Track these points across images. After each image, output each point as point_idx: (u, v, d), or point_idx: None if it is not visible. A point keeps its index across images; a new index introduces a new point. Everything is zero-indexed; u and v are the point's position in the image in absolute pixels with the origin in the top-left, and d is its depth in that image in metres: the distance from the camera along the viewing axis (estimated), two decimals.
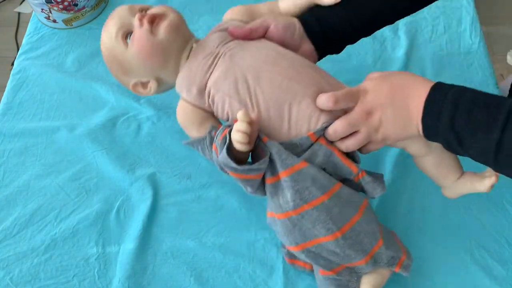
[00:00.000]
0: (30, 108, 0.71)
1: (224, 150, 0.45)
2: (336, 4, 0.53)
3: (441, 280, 0.55)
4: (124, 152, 0.66)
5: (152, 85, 0.56)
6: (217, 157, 0.47)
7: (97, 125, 0.68)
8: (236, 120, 0.45)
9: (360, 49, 0.76)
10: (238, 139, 0.44)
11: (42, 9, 0.77)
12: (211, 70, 0.51)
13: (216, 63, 0.51)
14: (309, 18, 0.54)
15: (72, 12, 0.78)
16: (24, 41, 0.80)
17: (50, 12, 0.77)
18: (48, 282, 0.56)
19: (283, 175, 0.47)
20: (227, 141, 0.46)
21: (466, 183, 0.53)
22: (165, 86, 0.57)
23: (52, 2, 0.75)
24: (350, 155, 0.50)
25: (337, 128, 0.47)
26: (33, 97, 0.72)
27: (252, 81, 0.49)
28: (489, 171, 0.52)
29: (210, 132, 0.51)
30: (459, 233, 0.58)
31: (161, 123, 0.69)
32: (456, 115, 0.41)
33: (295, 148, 0.48)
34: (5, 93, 0.73)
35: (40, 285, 0.56)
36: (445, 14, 0.80)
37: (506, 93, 0.70)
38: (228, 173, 0.49)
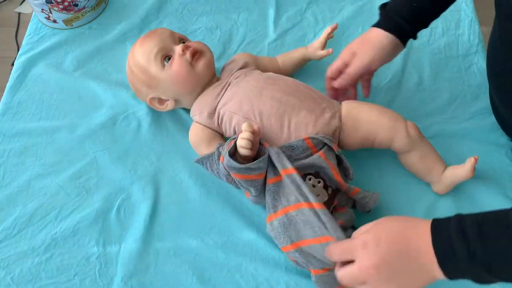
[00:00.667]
0: (30, 107, 0.71)
1: (227, 153, 0.52)
2: None
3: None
4: (125, 150, 0.65)
5: (170, 104, 0.64)
6: (223, 162, 0.53)
7: (97, 124, 0.68)
8: (240, 133, 0.52)
9: None
10: (243, 144, 0.51)
11: (43, 9, 0.77)
12: (220, 95, 0.61)
13: (225, 90, 0.61)
14: (401, 23, 0.58)
15: (72, 12, 0.77)
16: (24, 41, 0.80)
17: (50, 12, 0.77)
18: (49, 281, 0.56)
19: (284, 172, 0.52)
20: (232, 146, 0.52)
21: (451, 173, 0.57)
22: (178, 106, 0.66)
23: (53, 2, 0.75)
24: (343, 171, 0.57)
25: (342, 278, 0.43)
26: (32, 96, 0.72)
27: (255, 98, 0.58)
28: (468, 159, 0.56)
29: (218, 148, 0.56)
30: None
31: (161, 119, 0.68)
32: (470, 246, 0.36)
33: (293, 150, 0.55)
34: (4, 93, 0.73)
35: (41, 284, 0.56)
36: (443, 17, 0.80)
37: None
38: (233, 183, 0.56)
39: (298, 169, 0.53)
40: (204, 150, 0.61)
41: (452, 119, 0.67)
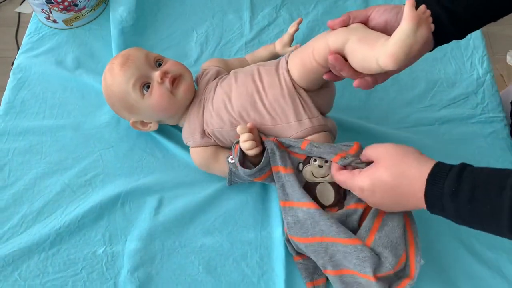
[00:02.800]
0: (33, 106, 0.70)
1: (239, 166, 0.54)
2: None
3: (430, 266, 0.55)
4: (130, 147, 0.65)
5: (153, 126, 0.63)
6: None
7: (102, 122, 0.67)
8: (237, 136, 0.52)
9: None
10: (247, 146, 0.52)
11: (43, 9, 0.75)
12: (202, 115, 0.59)
13: (204, 108, 0.60)
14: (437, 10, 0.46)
15: (72, 12, 0.76)
16: (24, 41, 0.78)
17: (50, 12, 0.75)
18: (56, 275, 0.56)
19: (275, 170, 0.54)
20: (239, 155, 0.53)
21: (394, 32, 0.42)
22: (162, 124, 0.64)
23: (53, 2, 0.74)
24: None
25: (338, 179, 0.51)
26: (35, 95, 0.71)
27: (228, 104, 0.57)
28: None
29: (227, 160, 0.57)
30: (448, 222, 0.58)
31: None
32: (460, 208, 0.40)
33: (291, 147, 0.55)
34: (6, 92, 0.71)
35: (48, 279, 0.55)
36: None
37: (508, 101, 0.70)
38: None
39: (295, 163, 0.53)
40: (215, 167, 0.60)
41: (431, 107, 0.68)
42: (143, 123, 0.62)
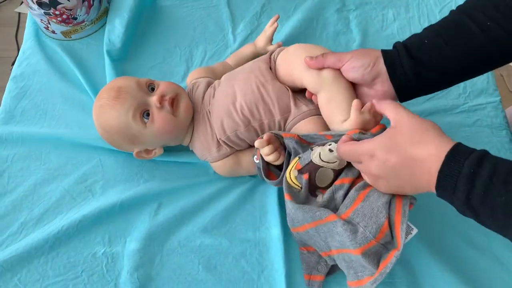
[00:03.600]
0: (33, 117, 0.69)
1: (267, 180, 0.55)
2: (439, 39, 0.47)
3: (423, 253, 0.55)
4: (130, 153, 0.64)
5: (158, 151, 0.61)
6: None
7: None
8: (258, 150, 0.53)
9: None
10: (272, 159, 0.53)
11: (41, 20, 0.75)
12: (212, 128, 0.59)
13: (210, 121, 0.59)
14: (401, 59, 0.48)
15: (71, 25, 0.76)
16: (24, 45, 0.77)
17: (49, 23, 0.75)
18: (57, 279, 0.55)
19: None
20: (264, 168, 0.54)
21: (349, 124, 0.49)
22: (166, 146, 0.62)
23: (51, 14, 0.73)
24: None
25: (342, 149, 0.47)
26: (35, 106, 0.70)
27: (237, 104, 0.56)
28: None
29: (253, 160, 0.57)
30: (440, 209, 0.55)
31: None
32: (473, 193, 0.36)
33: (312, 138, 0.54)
34: (7, 100, 0.71)
35: (48, 282, 0.55)
36: (392, 3, 0.81)
37: None
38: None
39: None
40: (240, 171, 0.60)
41: (414, 100, 0.65)
42: (147, 151, 0.60)
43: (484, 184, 0.36)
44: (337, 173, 0.51)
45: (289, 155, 0.55)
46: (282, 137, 0.54)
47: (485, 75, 0.72)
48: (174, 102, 0.57)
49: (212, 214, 0.60)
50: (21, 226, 0.59)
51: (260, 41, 0.67)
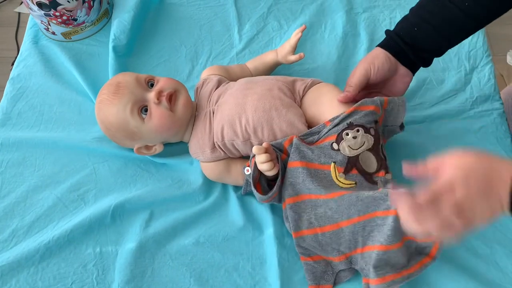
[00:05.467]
0: (29, 119, 0.67)
1: (256, 193, 0.52)
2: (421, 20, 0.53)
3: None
4: (125, 162, 0.62)
5: (158, 148, 0.59)
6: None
7: (96, 137, 0.63)
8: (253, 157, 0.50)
9: (324, 49, 0.73)
10: (266, 168, 0.50)
11: (42, 21, 0.73)
12: (211, 129, 0.56)
13: (212, 122, 0.56)
14: (402, 46, 0.54)
15: (71, 26, 0.73)
16: (23, 47, 0.75)
17: (49, 24, 0.73)
18: None
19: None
20: (255, 175, 0.51)
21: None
22: (166, 143, 0.60)
23: (51, 16, 0.71)
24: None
25: (430, 230, 0.37)
26: (32, 108, 0.68)
27: (243, 115, 0.54)
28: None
29: (244, 171, 0.54)
30: None
31: None
32: None
33: (313, 134, 0.54)
34: (4, 102, 0.68)
35: None
36: (400, 6, 0.78)
37: (508, 100, 0.69)
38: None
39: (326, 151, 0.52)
40: (228, 179, 0.58)
41: (421, 105, 0.67)
42: (147, 147, 0.59)
43: None
44: (376, 151, 0.52)
45: (284, 168, 0.53)
46: (281, 152, 0.52)
47: (491, 81, 0.69)
48: (172, 98, 0.55)
49: (205, 226, 0.57)
50: (12, 234, 0.56)
51: (283, 49, 0.64)
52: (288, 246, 0.54)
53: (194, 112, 0.59)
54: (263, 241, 0.55)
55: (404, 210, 0.36)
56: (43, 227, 0.56)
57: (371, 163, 0.51)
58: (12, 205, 0.58)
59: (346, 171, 0.50)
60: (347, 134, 0.51)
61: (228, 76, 0.63)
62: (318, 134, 0.53)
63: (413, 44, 0.54)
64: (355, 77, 0.55)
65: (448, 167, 0.38)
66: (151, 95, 0.54)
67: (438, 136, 0.63)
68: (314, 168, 0.51)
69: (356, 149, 0.51)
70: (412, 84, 0.67)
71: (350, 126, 0.51)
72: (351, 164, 0.51)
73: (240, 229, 0.56)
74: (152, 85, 0.57)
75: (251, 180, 0.52)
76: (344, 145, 0.51)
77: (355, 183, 0.50)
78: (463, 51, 0.72)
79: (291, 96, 0.56)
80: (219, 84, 0.60)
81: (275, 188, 0.51)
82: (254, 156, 0.50)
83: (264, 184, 0.54)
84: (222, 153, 0.56)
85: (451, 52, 0.72)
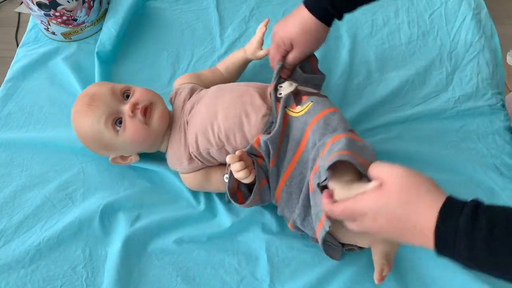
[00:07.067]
0: (18, 120, 0.65)
1: (231, 200, 0.50)
2: None
3: (434, 258, 0.50)
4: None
5: (133, 158, 0.57)
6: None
7: None
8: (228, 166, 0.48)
9: None
10: (241, 176, 0.48)
11: (42, 21, 0.72)
12: (186, 140, 0.55)
13: (186, 132, 0.55)
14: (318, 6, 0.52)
15: (71, 26, 0.72)
16: (19, 51, 0.73)
17: (49, 24, 0.71)
18: None
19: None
20: (232, 183, 0.50)
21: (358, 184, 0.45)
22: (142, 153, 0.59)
23: (51, 16, 0.70)
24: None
25: (338, 216, 0.42)
26: (22, 109, 0.67)
27: (214, 124, 0.53)
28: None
29: (223, 179, 0.53)
30: None
31: None
32: (475, 248, 0.33)
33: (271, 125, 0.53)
34: None
35: None
36: (382, 8, 0.78)
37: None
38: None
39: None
40: (209, 187, 0.57)
41: (404, 106, 0.66)
42: (123, 157, 0.57)
43: (484, 238, 0.33)
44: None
45: (263, 172, 0.51)
46: (256, 156, 0.51)
47: (473, 80, 0.68)
48: (147, 111, 0.53)
49: (190, 227, 0.56)
50: (0, 234, 0.55)
51: (250, 46, 0.63)
52: (277, 242, 0.54)
53: (171, 123, 0.57)
54: (249, 238, 0.54)
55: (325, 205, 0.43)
56: (31, 227, 0.55)
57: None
58: (0, 205, 0.57)
59: (298, 103, 0.52)
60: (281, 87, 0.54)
61: (201, 83, 0.61)
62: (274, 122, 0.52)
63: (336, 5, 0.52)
64: (296, 58, 0.55)
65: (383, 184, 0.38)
66: (126, 108, 0.52)
67: (418, 137, 0.62)
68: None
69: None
70: (394, 85, 0.68)
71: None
72: (298, 95, 0.52)
73: (226, 228, 0.55)
74: (128, 96, 0.55)
75: (227, 191, 0.50)
76: (283, 87, 0.53)
77: (311, 102, 0.52)
78: (445, 51, 0.72)
79: (262, 102, 0.54)
80: (192, 93, 0.58)
81: (252, 196, 0.50)
82: (230, 165, 0.49)
83: (245, 190, 0.52)
84: (199, 163, 0.55)
85: (433, 51, 0.72)
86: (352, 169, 0.44)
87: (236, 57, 0.64)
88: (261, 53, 0.62)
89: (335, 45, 0.73)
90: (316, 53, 0.69)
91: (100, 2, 0.73)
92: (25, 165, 0.60)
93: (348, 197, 0.41)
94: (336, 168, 0.43)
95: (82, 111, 0.53)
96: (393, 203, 0.37)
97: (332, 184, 0.44)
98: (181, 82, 0.61)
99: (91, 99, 0.53)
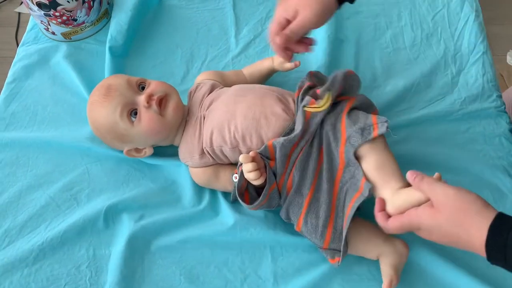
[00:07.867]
0: (23, 119, 0.65)
1: (238, 199, 0.50)
2: None
3: (438, 260, 0.51)
4: (117, 162, 0.60)
5: (148, 151, 0.57)
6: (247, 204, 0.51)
7: (89, 137, 0.61)
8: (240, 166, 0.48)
9: (311, 56, 0.69)
10: (252, 177, 0.48)
11: (41, 21, 0.71)
12: (201, 134, 0.54)
13: (202, 127, 0.55)
14: None
15: (71, 26, 0.71)
16: (20, 49, 0.73)
17: (49, 24, 0.71)
18: None
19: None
20: (240, 184, 0.49)
21: (408, 193, 0.46)
22: (157, 146, 0.58)
23: (51, 16, 0.69)
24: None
25: (393, 231, 0.45)
26: (26, 108, 0.66)
27: (232, 122, 0.52)
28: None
29: (232, 179, 0.52)
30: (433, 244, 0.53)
31: None
32: None
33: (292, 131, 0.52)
34: None
35: None
36: (384, 11, 0.77)
37: (509, 101, 0.68)
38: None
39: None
40: (216, 185, 0.56)
41: (410, 109, 0.65)
42: (137, 150, 0.57)
43: None
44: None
45: (274, 176, 0.51)
46: (268, 159, 0.50)
47: (479, 81, 0.68)
48: (162, 102, 0.53)
49: (193, 227, 0.55)
50: (5, 233, 0.54)
51: (277, 57, 0.61)
52: (281, 241, 0.53)
53: (185, 116, 0.57)
54: (253, 237, 0.53)
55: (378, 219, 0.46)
56: (36, 227, 0.55)
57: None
58: (5, 205, 0.56)
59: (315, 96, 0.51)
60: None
61: (223, 82, 0.60)
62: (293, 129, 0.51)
63: None
64: (299, 25, 0.48)
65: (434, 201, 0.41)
66: (141, 99, 0.53)
67: (424, 139, 0.62)
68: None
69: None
70: (400, 88, 0.67)
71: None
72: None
73: (230, 227, 0.54)
74: (143, 88, 0.55)
75: (236, 190, 0.50)
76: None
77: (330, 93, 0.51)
78: (449, 54, 0.71)
79: (284, 107, 0.53)
80: (212, 89, 0.58)
81: (261, 198, 0.49)
82: (241, 164, 0.48)
83: (253, 192, 0.52)
84: (210, 159, 0.54)
85: (437, 54, 0.71)
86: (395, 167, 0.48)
87: (262, 65, 0.63)
88: (288, 65, 0.61)
89: (340, 50, 0.72)
90: (321, 58, 0.69)
91: (100, 2, 0.72)
92: (30, 165, 0.60)
93: (399, 209, 0.44)
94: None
95: (98, 101, 0.53)
96: (446, 224, 0.40)
97: (381, 191, 0.47)
98: (204, 78, 0.61)
99: (108, 90, 0.53)
